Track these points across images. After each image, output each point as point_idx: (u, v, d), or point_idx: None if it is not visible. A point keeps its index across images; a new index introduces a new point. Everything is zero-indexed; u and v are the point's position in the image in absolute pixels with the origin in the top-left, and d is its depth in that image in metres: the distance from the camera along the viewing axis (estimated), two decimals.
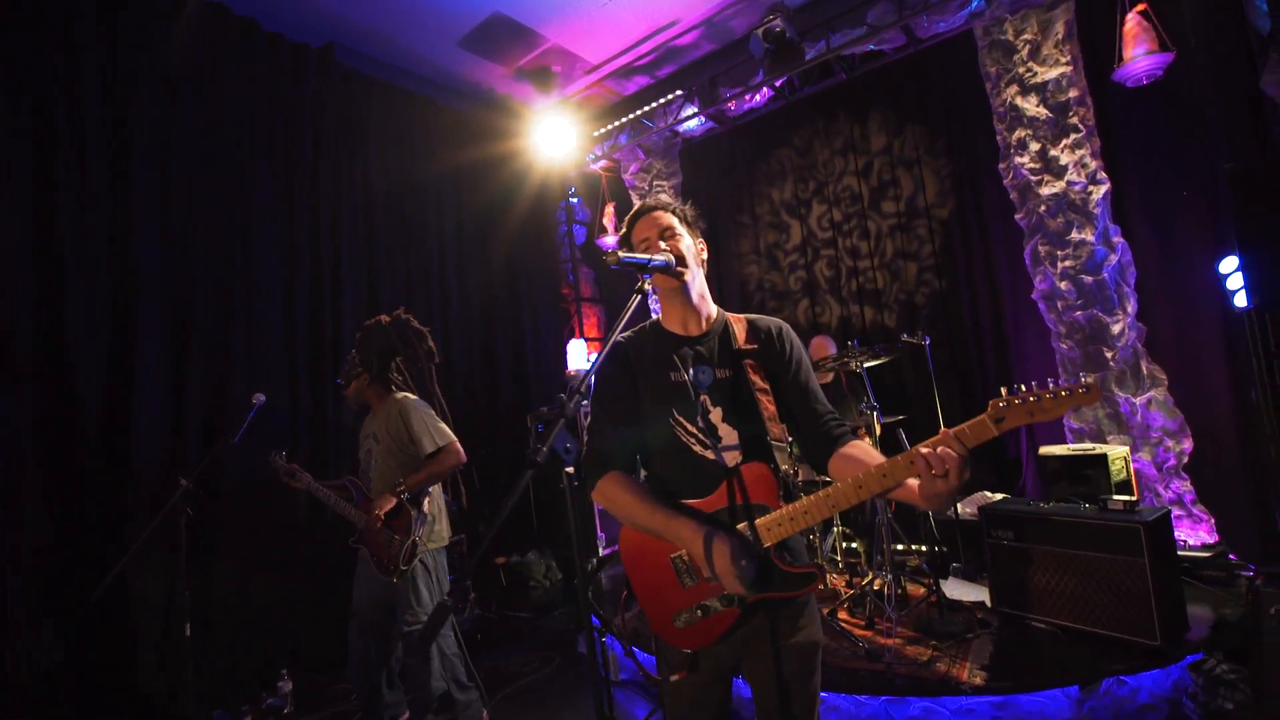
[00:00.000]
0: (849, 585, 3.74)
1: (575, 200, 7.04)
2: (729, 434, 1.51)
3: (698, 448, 1.53)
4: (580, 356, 6.26)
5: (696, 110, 5.60)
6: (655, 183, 6.22)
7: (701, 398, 1.54)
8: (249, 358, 3.96)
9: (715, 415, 1.53)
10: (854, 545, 3.99)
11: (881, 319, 5.06)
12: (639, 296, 1.48)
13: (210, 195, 3.91)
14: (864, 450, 1.46)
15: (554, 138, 5.86)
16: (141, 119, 3.62)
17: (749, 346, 1.58)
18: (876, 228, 5.11)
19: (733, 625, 1.45)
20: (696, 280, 1.61)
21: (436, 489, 3.07)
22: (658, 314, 1.70)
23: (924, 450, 1.21)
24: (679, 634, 1.48)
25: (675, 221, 1.61)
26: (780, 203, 5.66)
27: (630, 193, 6.47)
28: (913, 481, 1.27)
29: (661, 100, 5.67)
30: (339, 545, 3.96)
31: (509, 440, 5.73)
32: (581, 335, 6.69)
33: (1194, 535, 3.58)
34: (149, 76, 3.67)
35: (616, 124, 6.01)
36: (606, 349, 1.50)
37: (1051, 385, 1.15)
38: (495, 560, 5.02)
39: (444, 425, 3.00)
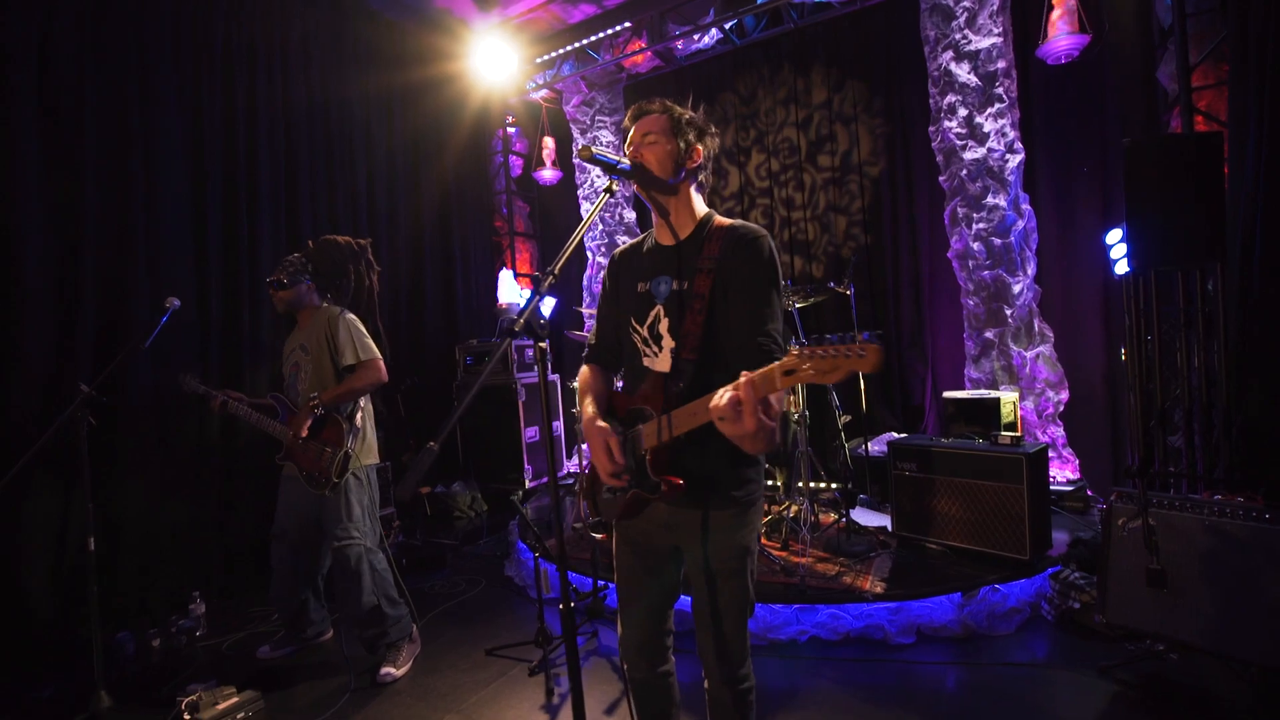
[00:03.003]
0: (766, 512, 4.01)
1: (513, 131, 6.78)
2: (669, 343, 1.55)
3: (646, 355, 1.60)
4: (511, 289, 6.16)
5: (644, 46, 5.49)
6: (598, 118, 6.10)
7: (656, 308, 1.59)
8: (153, 275, 3.65)
9: (663, 325, 1.56)
10: (772, 480, 4.26)
11: (810, 269, 5.30)
12: (606, 195, 1.51)
13: (102, 91, 3.50)
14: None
15: (493, 61, 5.60)
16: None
17: (709, 258, 1.54)
18: (811, 180, 5.28)
19: (627, 507, 1.58)
20: (671, 187, 1.58)
21: (368, 404, 3.01)
22: None
23: (715, 398, 1.24)
24: (603, 504, 1.68)
25: (661, 126, 1.58)
26: (721, 149, 5.69)
27: (571, 125, 6.32)
28: None
29: (608, 31, 5.51)
30: (255, 464, 3.85)
31: (436, 372, 5.63)
32: (514, 269, 6.56)
33: (1061, 473, 4.08)
34: None
35: (560, 52, 5.81)
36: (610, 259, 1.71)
37: (836, 346, 1.10)
38: (420, 490, 4.98)
39: (370, 342, 2.93)
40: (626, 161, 1.54)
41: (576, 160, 6.34)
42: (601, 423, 1.55)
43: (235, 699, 2.61)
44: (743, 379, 1.20)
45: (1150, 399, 3.20)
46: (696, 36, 5.29)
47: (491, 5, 5.67)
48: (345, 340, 2.86)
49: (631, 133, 1.63)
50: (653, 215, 1.65)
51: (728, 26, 5.19)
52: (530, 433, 5.43)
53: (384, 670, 2.81)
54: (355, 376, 2.86)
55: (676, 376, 1.51)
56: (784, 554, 3.41)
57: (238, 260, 4.12)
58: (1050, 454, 4.10)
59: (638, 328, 1.62)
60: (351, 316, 2.94)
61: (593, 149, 1.48)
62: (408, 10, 5.57)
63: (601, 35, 5.53)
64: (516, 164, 6.86)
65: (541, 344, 1.29)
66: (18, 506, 3.09)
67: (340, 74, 4.93)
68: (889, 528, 3.56)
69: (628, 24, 5.42)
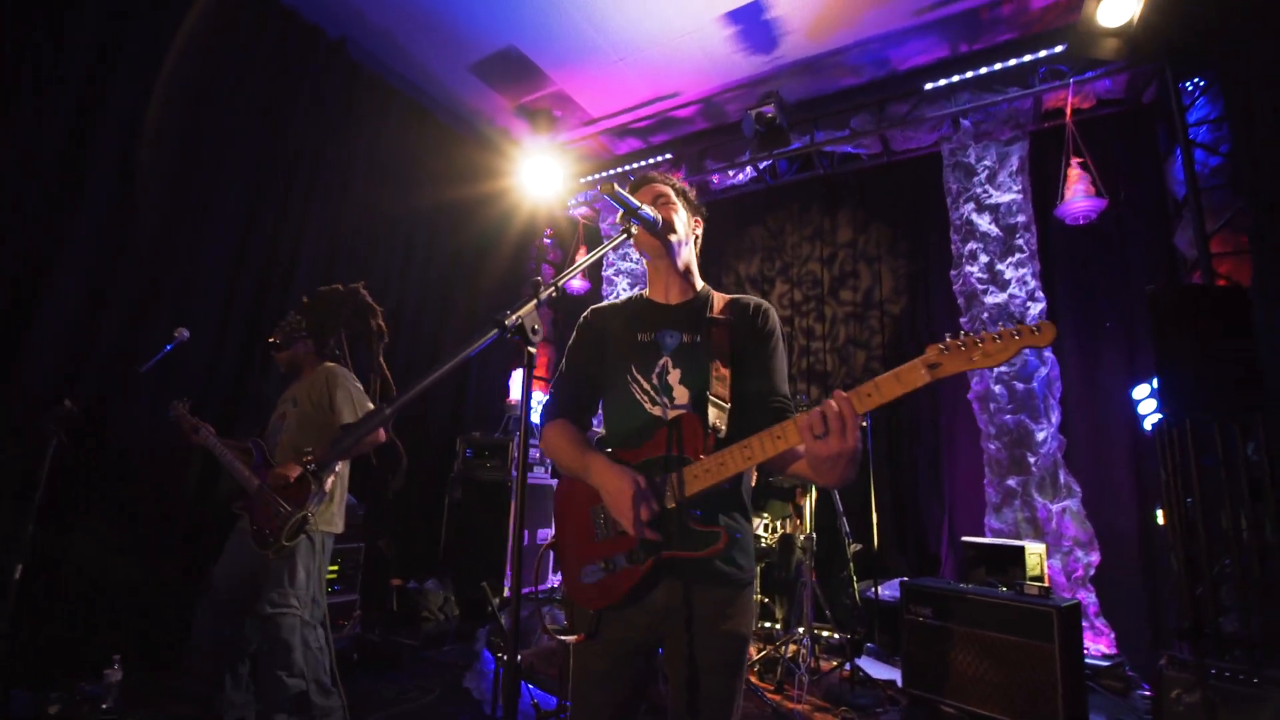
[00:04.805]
0: (760, 650, 3.58)
1: (549, 241, 7.13)
2: (682, 394, 1.49)
3: (648, 404, 1.51)
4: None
5: (682, 177, 5.88)
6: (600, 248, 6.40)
7: (664, 359, 1.54)
8: (181, 303, 3.72)
9: (673, 376, 1.52)
10: (768, 622, 3.85)
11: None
12: (624, 235, 1.51)
13: (183, 136, 3.78)
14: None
15: (541, 176, 6.01)
16: (131, 50, 3.53)
17: (722, 316, 1.57)
18: (833, 313, 5.35)
19: (636, 585, 1.36)
20: (682, 251, 1.61)
21: (343, 471, 2.86)
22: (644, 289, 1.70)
23: (806, 416, 1.20)
24: (584, 590, 1.43)
25: (671, 193, 1.65)
26: (746, 276, 5.89)
27: (605, 241, 6.62)
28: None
29: (651, 161, 5.95)
30: (225, 526, 3.61)
31: (433, 460, 5.45)
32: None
33: (1095, 646, 3.63)
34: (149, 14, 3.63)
35: (603, 175, 6.24)
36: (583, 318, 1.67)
37: (993, 329, 1.12)
38: (391, 581, 4.61)
39: (369, 403, 2.84)
40: (650, 211, 1.54)
41: (606, 273, 6.58)
42: (633, 472, 1.38)
43: None
44: (838, 394, 1.17)
45: (1195, 563, 2.89)
46: (732, 173, 5.68)
47: (547, 129, 6.20)
48: (343, 400, 2.78)
49: (638, 196, 1.65)
50: (649, 274, 1.67)
51: (762, 166, 5.57)
52: None
53: None
54: None
55: (709, 417, 1.42)
56: (778, 697, 2.98)
57: (262, 308, 4.17)
58: (1083, 623, 3.69)
59: (639, 377, 1.54)
60: (349, 375, 2.89)
61: (616, 187, 1.49)
62: (471, 127, 6.12)
63: (644, 163, 5.96)
64: (548, 272, 7.13)
65: (531, 349, 1.19)
66: None
67: (398, 167, 5.31)
68: (899, 683, 3.13)
69: (669, 155, 5.85)
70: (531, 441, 5.44)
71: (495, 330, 1.15)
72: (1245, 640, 2.55)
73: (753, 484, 1.64)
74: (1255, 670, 2.02)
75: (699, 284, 1.66)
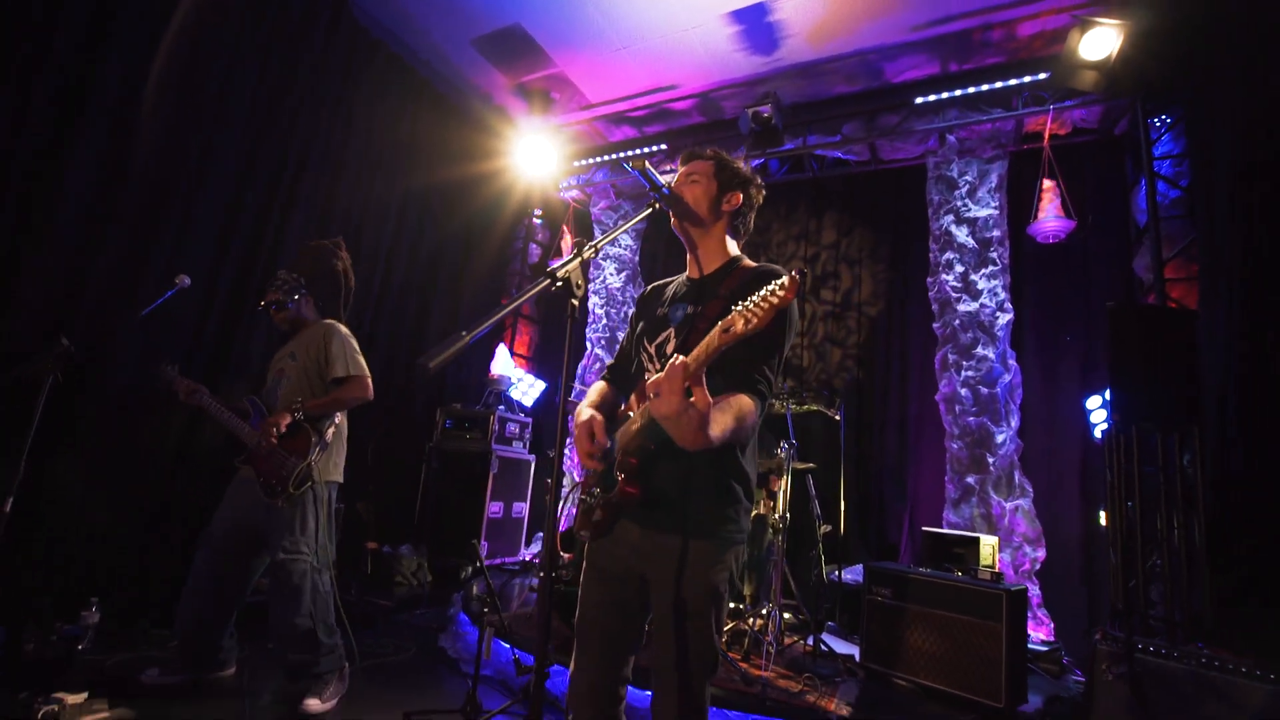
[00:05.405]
0: (729, 624, 3.75)
1: (538, 222, 7.18)
2: None
3: (649, 370, 1.64)
4: (506, 364, 6.19)
5: (674, 168, 5.99)
6: (620, 223, 6.50)
7: (668, 330, 1.65)
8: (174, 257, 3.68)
9: (671, 345, 1.61)
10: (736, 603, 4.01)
11: (800, 393, 5.40)
12: (649, 210, 1.63)
13: (184, 90, 3.73)
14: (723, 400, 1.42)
15: (535, 155, 6.05)
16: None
17: (727, 288, 1.60)
18: (812, 311, 5.55)
19: (603, 519, 1.57)
20: (707, 228, 1.70)
21: (343, 422, 2.92)
22: None
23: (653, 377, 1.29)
24: (576, 518, 1.66)
25: (705, 170, 1.72)
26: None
27: (595, 225, 6.71)
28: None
29: (645, 150, 6.05)
30: (209, 477, 3.62)
31: (413, 428, 5.48)
32: (510, 346, 6.64)
33: (1036, 633, 3.91)
34: None
35: (597, 160, 6.32)
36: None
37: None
38: (366, 544, 4.65)
39: (361, 359, 2.91)
40: (667, 189, 1.66)
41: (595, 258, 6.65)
42: (592, 411, 1.59)
43: (105, 714, 2.27)
44: (676, 359, 1.22)
45: (1131, 559, 3.17)
46: None
47: (544, 111, 6.23)
48: (338, 352, 2.84)
49: (678, 174, 1.77)
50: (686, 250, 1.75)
51: (754, 164, 5.72)
52: (494, 508, 5.19)
53: (307, 701, 2.50)
54: (343, 389, 2.81)
55: None
56: (744, 665, 3.15)
57: (250, 275, 4.15)
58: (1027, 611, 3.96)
59: (647, 346, 1.68)
60: (346, 331, 2.94)
61: (646, 164, 1.60)
62: (469, 100, 6.11)
63: (639, 152, 6.06)
64: (535, 252, 7.18)
65: (574, 300, 1.30)
66: None
67: (394, 133, 5.29)
68: (857, 657, 3.34)
69: (663, 146, 5.95)
70: (505, 413, 5.52)
71: (546, 279, 1.27)
72: (1168, 625, 2.83)
73: (742, 455, 1.59)
74: (1175, 648, 2.27)
75: (728, 256, 1.70)
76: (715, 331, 1.23)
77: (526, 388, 6.30)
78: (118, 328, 3.37)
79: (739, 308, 1.19)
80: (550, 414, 6.42)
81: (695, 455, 1.42)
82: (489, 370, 6.05)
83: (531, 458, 5.72)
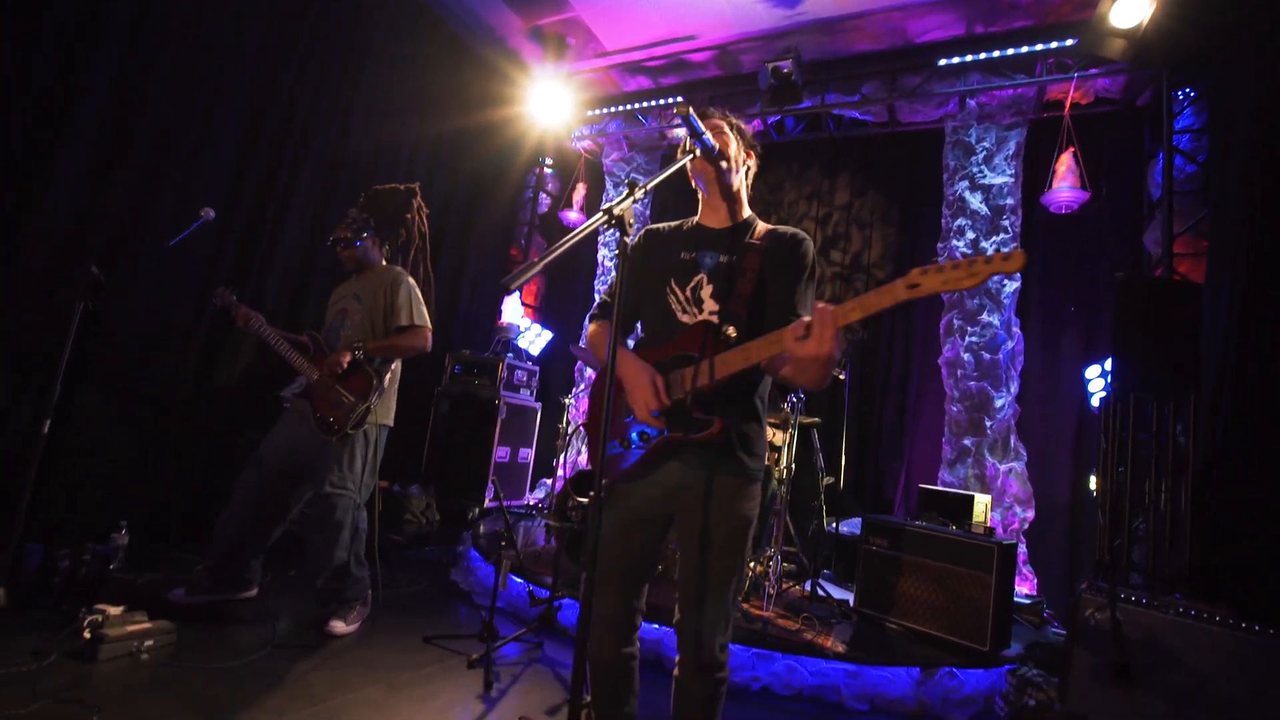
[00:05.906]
0: None
1: (549, 172, 7.10)
2: (711, 306, 1.67)
3: (679, 312, 1.69)
4: (515, 312, 6.23)
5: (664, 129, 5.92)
6: (633, 175, 6.45)
7: (700, 275, 1.70)
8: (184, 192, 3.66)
9: (706, 291, 1.68)
10: None
11: None
12: (686, 158, 1.66)
13: (195, 25, 3.64)
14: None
15: (549, 103, 5.95)
16: None
17: (758, 240, 1.70)
18: (821, 272, 5.58)
19: (644, 462, 1.61)
20: (733, 180, 1.75)
21: (398, 368, 2.98)
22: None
23: (795, 324, 1.36)
24: (606, 462, 1.58)
25: (728, 129, 1.77)
26: None
27: (606, 177, 6.66)
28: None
29: (658, 102, 5.96)
30: (232, 427, 3.72)
31: (421, 374, 5.54)
32: (519, 296, 6.67)
33: (1021, 588, 4.11)
34: None
35: (611, 110, 6.23)
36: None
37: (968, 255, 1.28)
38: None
39: (425, 310, 2.95)
40: (711, 139, 1.69)
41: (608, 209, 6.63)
42: (650, 366, 1.59)
43: (146, 625, 2.39)
44: (820, 305, 1.30)
45: (1119, 520, 3.32)
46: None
47: (559, 57, 6.10)
48: (404, 301, 2.88)
49: (699, 124, 1.77)
50: (701, 200, 1.80)
51: (770, 121, 5.66)
52: (501, 453, 5.31)
53: (333, 623, 2.65)
54: (404, 337, 2.86)
55: (725, 324, 1.61)
56: (745, 605, 3.32)
57: (260, 222, 4.14)
58: None
59: (677, 289, 1.72)
60: (413, 281, 2.97)
61: (690, 110, 1.63)
62: (483, 42, 5.96)
63: (651, 104, 5.97)
64: (545, 202, 7.13)
65: (627, 239, 1.36)
66: None
67: (406, 75, 5.19)
68: (851, 603, 3.51)
69: (678, 98, 5.87)
70: (513, 360, 5.60)
71: (603, 215, 1.32)
72: (1148, 579, 3.00)
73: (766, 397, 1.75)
74: (1154, 598, 2.42)
75: (745, 212, 1.79)
76: (899, 286, 1.29)
77: (534, 337, 6.35)
78: (139, 260, 3.38)
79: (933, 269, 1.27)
80: (557, 362, 6.49)
81: (746, 398, 1.63)
82: (497, 317, 6.09)
83: (538, 405, 5.82)
